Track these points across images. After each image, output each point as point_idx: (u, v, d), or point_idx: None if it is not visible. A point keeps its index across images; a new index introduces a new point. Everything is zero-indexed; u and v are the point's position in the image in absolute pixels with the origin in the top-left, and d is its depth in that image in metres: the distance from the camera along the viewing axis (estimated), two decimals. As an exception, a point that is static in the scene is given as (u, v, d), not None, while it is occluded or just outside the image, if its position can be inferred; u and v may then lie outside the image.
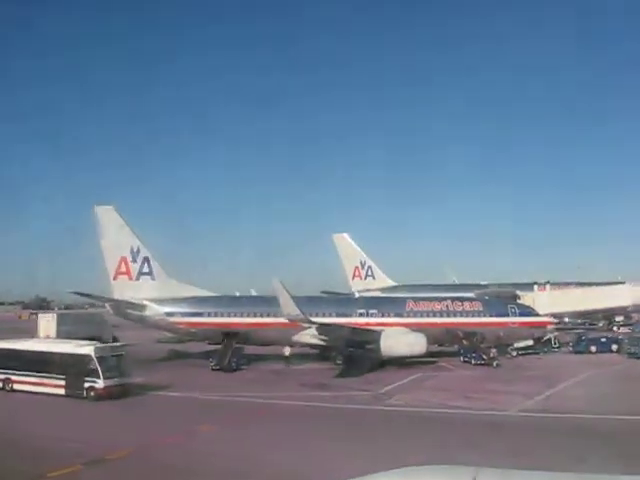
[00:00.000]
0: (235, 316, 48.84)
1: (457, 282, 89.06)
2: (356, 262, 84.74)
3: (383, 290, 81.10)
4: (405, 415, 29.50)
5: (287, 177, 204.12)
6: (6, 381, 35.19)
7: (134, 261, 49.46)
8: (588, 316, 72.75)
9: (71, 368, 33.17)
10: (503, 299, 57.27)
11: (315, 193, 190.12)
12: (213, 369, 44.67)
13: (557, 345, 54.84)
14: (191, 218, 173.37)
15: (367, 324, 48.79)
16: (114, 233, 49.50)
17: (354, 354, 46.81)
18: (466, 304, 51.34)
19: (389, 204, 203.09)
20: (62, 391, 33.18)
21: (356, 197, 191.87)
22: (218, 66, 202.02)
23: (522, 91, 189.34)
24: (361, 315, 49.49)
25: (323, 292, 76.51)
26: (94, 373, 32.47)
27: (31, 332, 61.54)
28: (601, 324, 74.30)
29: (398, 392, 35.55)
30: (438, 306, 50.62)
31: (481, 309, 50.96)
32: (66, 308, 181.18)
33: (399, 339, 45.89)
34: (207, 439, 24.32)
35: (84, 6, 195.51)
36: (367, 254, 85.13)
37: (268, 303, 49.87)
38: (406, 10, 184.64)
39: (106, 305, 50.11)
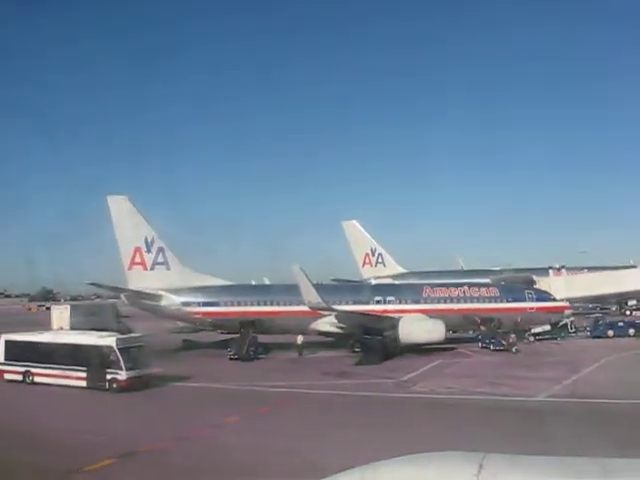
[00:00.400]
0: (252, 305, 48.52)
1: (465, 268, 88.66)
2: (366, 249, 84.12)
3: (394, 277, 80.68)
4: (433, 402, 29.23)
5: (295, 165, 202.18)
6: (26, 374, 34.96)
7: (149, 251, 49.06)
8: (599, 300, 72.33)
9: (92, 360, 32.91)
10: (520, 284, 56.76)
11: (323, 180, 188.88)
12: (231, 358, 44.42)
13: (574, 330, 54.42)
14: (201, 207, 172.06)
15: (384, 311, 48.46)
16: (128, 223, 49.06)
17: (372, 341, 46.57)
18: (483, 290, 50.96)
19: (396, 191, 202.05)
20: (84, 383, 32.99)
21: (362, 184, 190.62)
22: (222, 55, 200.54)
23: (532, 74, 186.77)
24: (378, 302, 49.12)
25: (334, 280, 76.20)
26: (116, 365, 32.25)
27: (43, 324, 61.38)
28: (614, 308, 73.90)
29: (421, 379, 35.30)
30: (455, 292, 50.23)
31: (498, 295, 50.56)
32: (72, 300, 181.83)
33: (418, 326, 45.55)
34: (237, 430, 24.08)
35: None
36: (377, 241, 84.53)
37: (284, 291, 49.67)
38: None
39: (121, 296, 49.76)
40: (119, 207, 49.17)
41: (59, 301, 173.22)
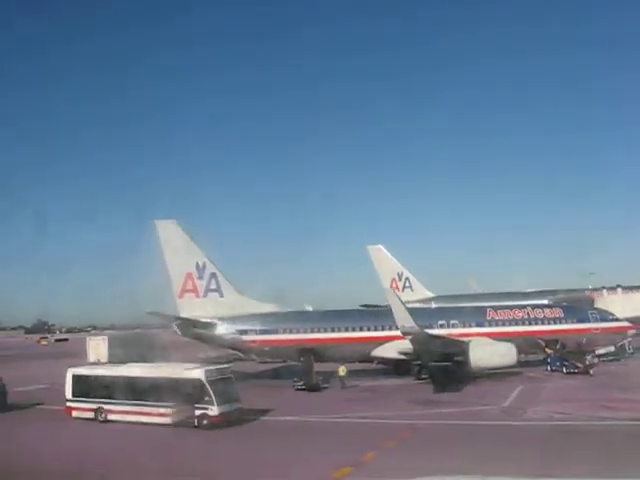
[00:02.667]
0: (311, 332, 46.08)
1: (483, 292, 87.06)
2: (393, 274, 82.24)
3: (423, 302, 78.77)
4: (566, 430, 26.96)
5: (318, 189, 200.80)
6: (99, 411, 32.06)
7: (200, 277, 46.53)
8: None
9: (178, 394, 30.16)
10: (581, 305, 55.15)
11: (346, 204, 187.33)
12: (298, 389, 41.82)
13: (631, 351, 52.84)
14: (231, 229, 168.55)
15: (448, 335, 46.34)
16: (178, 248, 46.59)
17: (441, 367, 44.39)
18: (547, 311, 49.21)
19: (416, 214, 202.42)
20: (167, 420, 30.12)
21: (384, 207, 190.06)
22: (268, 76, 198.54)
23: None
24: (442, 326, 46.97)
25: (363, 305, 74.11)
26: (206, 399, 29.52)
27: (72, 356, 58.08)
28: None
29: (526, 405, 32.98)
30: (519, 314, 48.39)
31: (562, 316, 48.81)
32: (67, 332, 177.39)
33: (489, 350, 43.49)
34: (389, 468, 21.55)
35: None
36: (403, 265, 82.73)
37: (344, 317, 47.40)
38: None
39: (173, 325, 46.88)
40: (168, 232, 46.72)
41: (55, 333, 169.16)
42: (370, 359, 47.17)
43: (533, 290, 77.50)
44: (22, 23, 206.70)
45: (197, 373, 30.21)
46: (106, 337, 54.97)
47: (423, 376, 45.06)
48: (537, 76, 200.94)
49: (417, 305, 74.72)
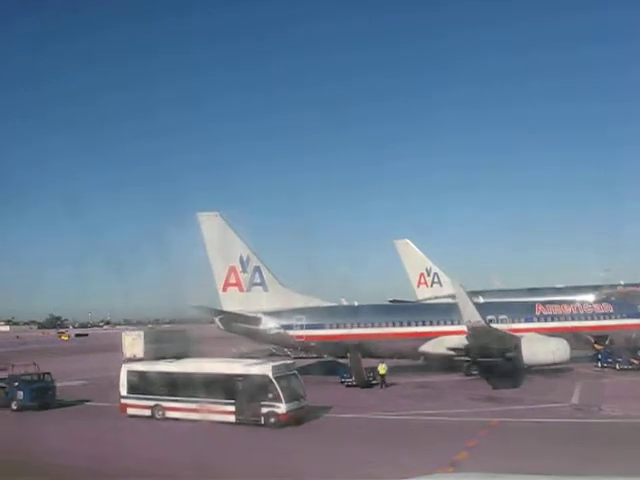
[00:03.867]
0: (359, 327, 45.01)
1: (503, 287, 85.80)
2: (421, 269, 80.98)
3: (452, 297, 77.56)
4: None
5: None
6: (156, 408, 30.97)
7: (244, 271, 45.47)
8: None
9: (243, 391, 29.13)
10: (631, 300, 53.94)
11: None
12: (348, 385, 40.79)
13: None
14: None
15: (497, 330, 45.23)
16: (221, 241, 45.50)
17: (492, 363, 43.43)
18: (596, 307, 48.12)
19: (441, 208, 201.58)
20: (231, 418, 29.03)
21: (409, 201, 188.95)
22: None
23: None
24: (491, 321, 45.76)
25: (391, 301, 73.00)
26: (273, 396, 28.42)
27: (104, 350, 57.02)
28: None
29: (596, 402, 31.89)
30: (568, 309, 47.31)
31: (612, 311, 47.69)
32: (80, 326, 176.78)
33: (542, 346, 42.40)
34: (484, 467, 20.48)
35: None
36: (432, 260, 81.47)
37: (393, 312, 46.36)
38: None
39: (215, 320, 45.81)
40: (211, 224, 45.65)
41: (67, 328, 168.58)
42: (417, 355, 46.13)
43: (563, 286, 76.31)
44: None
45: (264, 369, 29.16)
46: (142, 332, 54.21)
47: (473, 372, 44.17)
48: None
49: (447, 300, 73.92)
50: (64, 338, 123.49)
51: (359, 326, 45.02)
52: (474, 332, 38.96)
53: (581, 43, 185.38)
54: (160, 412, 30.88)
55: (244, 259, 45.58)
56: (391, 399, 36.31)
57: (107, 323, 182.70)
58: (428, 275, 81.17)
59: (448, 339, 44.46)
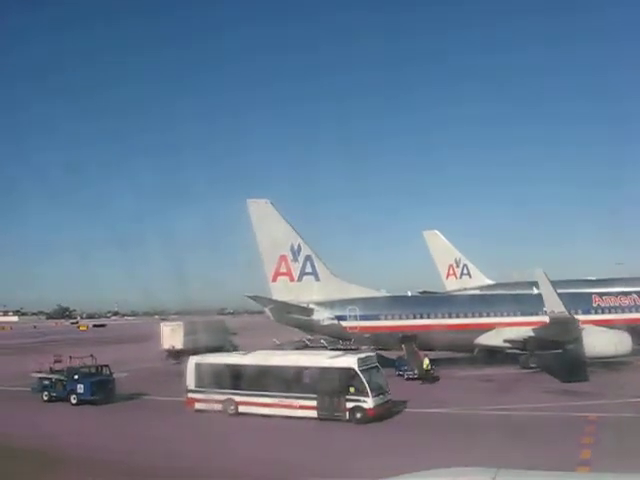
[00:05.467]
0: (414, 318, 43.56)
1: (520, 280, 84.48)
2: (450, 260, 79.58)
3: (481, 289, 76.29)
4: None
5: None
6: (227, 402, 29.44)
7: (295, 260, 43.87)
8: None
9: (325, 385, 27.67)
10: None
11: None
12: (409, 378, 39.41)
13: None
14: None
15: (554, 322, 43.91)
16: (271, 229, 43.87)
17: (552, 356, 42.12)
18: (654, 298, 46.77)
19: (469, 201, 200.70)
20: (313, 413, 27.59)
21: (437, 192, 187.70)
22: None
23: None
24: (547, 313, 44.49)
25: (421, 292, 71.62)
26: (360, 390, 27.00)
27: (130, 341, 55.25)
28: None
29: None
30: (625, 301, 45.98)
31: (671, 303, 46.39)
32: (88, 317, 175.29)
33: (604, 338, 40.98)
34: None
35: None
36: (461, 251, 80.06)
37: (447, 303, 45.01)
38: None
39: (266, 310, 44.28)
40: (261, 211, 43.98)
41: (75, 318, 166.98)
42: (472, 347, 44.78)
43: (594, 278, 74.95)
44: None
45: (349, 362, 27.71)
46: (181, 323, 52.67)
47: (532, 365, 42.85)
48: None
49: (476, 292, 72.54)
50: (82, 328, 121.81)
51: (414, 317, 43.57)
52: (557, 323, 37.38)
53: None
54: (232, 407, 29.40)
55: (295, 248, 43.98)
56: (461, 393, 34.85)
57: (115, 314, 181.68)
58: (457, 266, 79.77)
59: (506, 331, 43.12)
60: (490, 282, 79.55)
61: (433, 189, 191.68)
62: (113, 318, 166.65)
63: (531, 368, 42.61)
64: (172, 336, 51.36)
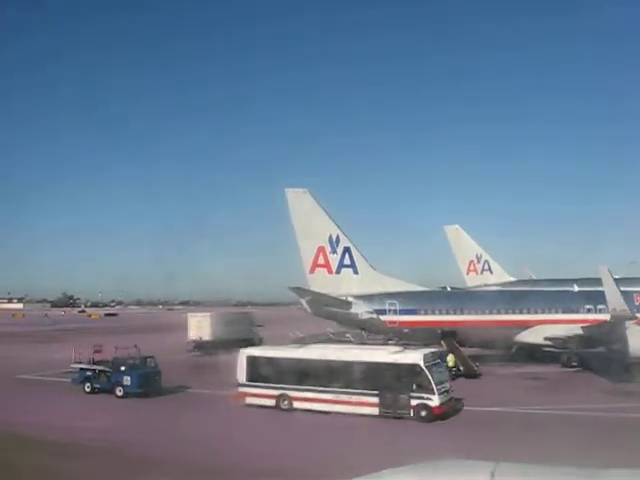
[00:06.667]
0: (454, 313, 42.63)
1: (534, 277, 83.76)
2: (471, 256, 78.54)
3: (503, 285, 75.46)
4: None
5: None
6: (281, 398, 28.43)
7: (334, 252, 42.80)
8: None
9: (388, 381, 26.70)
10: None
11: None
12: (453, 375, 38.44)
13: None
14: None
15: (595, 320, 43.05)
16: (310, 219, 42.77)
17: (596, 355, 41.29)
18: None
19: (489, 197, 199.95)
20: (374, 410, 26.59)
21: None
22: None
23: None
24: (589, 311, 43.66)
25: (443, 288, 70.76)
26: (425, 387, 26.05)
27: (147, 330, 54.17)
28: None
29: None
30: (663, 300, 45.12)
31: None
32: (92, 306, 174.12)
33: (650, 338, 40.19)
34: None
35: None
36: (482, 247, 79.10)
37: (489, 298, 44.11)
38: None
39: (302, 302, 43.22)
40: (299, 201, 42.86)
41: (79, 307, 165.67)
42: (511, 344, 43.89)
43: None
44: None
45: (415, 358, 26.71)
46: (209, 314, 51.69)
47: (573, 364, 42.02)
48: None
49: (496, 289, 71.60)
50: (94, 317, 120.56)
51: (454, 312, 42.66)
52: (616, 322, 36.46)
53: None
54: (286, 402, 28.40)
55: (333, 239, 42.91)
56: (514, 391, 33.91)
57: (119, 303, 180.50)
58: (478, 262, 78.83)
59: (548, 328, 42.25)
60: (511, 279, 78.78)
61: (455, 183, 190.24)
62: (117, 307, 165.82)
63: (572, 367, 41.82)
64: (199, 327, 50.39)
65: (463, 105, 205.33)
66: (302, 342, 52.53)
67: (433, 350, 29.15)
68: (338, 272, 42.89)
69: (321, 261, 42.79)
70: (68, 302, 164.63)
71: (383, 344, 50.26)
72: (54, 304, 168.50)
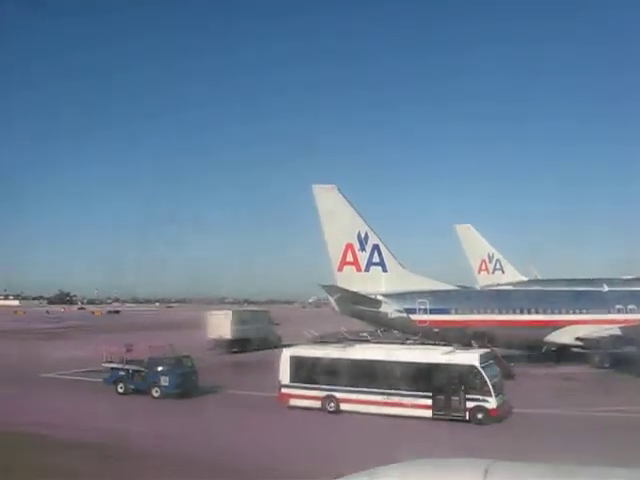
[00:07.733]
0: (485, 313, 41.90)
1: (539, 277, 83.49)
2: (483, 255, 78.02)
3: (515, 285, 74.90)
4: None
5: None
6: (327, 399, 27.53)
7: (362, 249, 41.92)
8: None
9: (443, 383, 25.89)
10: None
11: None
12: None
13: None
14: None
15: (626, 321, 42.59)
16: (338, 216, 41.86)
17: (622, 356, 40.77)
18: None
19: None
20: (427, 413, 25.78)
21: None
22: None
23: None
24: (619, 311, 43.17)
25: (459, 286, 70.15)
26: (481, 389, 25.25)
27: (156, 328, 52.96)
28: None
29: None
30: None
31: None
32: (89, 303, 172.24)
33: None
34: None
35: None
36: (494, 247, 78.55)
37: (522, 297, 43.49)
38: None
39: (330, 300, 42.32)
40: (327, 198, 41.94)
41: (76, 304, 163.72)
42: (541, 344, 43.27)
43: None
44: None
45: (471, 358, 25.92)
46: (229, 312, 50.69)
47: (605, 365, 41.44)
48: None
49: (509, 288, 71.00)
50: (97, 314, 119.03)
51: (485, 312, 41.94)
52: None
53: None
54: (332, 404, 27.52)
55: (362, 236, 42.03)
56: (555, 392, 33.07)
57: (116, 300, 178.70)
58: (490, 262, 78.25)
59: (580, 328, 41.70)
60: (524, 278, 78.24)
61: (467, 183, 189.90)
62: (115, 304, 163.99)
63: (604, 367, 41.24)
64: (220, 325, 49.38)
65: (476, 104, 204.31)
66: (319, 341, 51.83)
67: (487, 351, 28.32)
68: (367, 270, 42.03)
69: (350, 258, 41.91)
70: (64, 299, 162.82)
71: (401, 343, 49.69)
72: (50, 301, 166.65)
